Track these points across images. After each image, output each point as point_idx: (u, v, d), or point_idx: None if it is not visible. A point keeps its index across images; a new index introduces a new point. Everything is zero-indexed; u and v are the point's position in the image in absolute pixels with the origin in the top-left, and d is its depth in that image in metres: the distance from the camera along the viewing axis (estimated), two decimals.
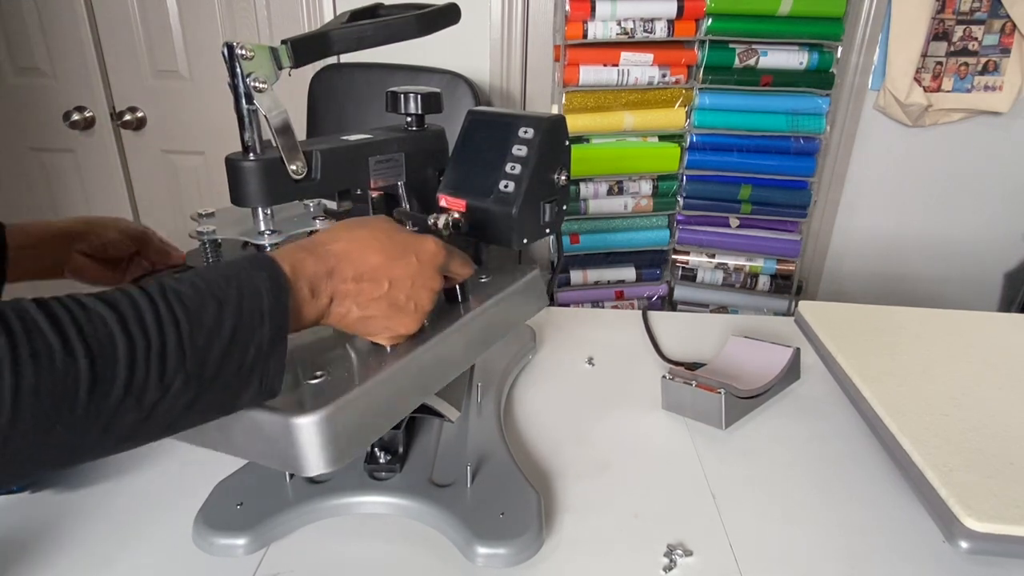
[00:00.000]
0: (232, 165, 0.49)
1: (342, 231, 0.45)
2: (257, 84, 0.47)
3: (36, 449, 0.30)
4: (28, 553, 0.54)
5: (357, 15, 0.57)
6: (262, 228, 0.53)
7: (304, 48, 0.51)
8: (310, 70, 1.68)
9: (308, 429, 0.41)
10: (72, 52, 1.82)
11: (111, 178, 1.93)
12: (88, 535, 0.56)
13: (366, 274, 0.43)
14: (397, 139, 0.60)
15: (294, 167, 0.50)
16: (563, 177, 0.63)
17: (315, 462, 0.41)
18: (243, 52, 0.46)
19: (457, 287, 0.55)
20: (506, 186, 0.59)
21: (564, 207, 0.65)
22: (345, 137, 0.58)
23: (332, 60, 1.72)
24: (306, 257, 0.41)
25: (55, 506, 0.59)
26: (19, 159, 1.97)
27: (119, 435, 0.33)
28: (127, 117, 1.88)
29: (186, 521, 0.54)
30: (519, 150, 0.60)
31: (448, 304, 0.55)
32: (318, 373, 0.45)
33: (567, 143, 0.63)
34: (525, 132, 0.60)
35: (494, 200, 0.59)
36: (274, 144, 0.50)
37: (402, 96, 0.63)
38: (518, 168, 0.59)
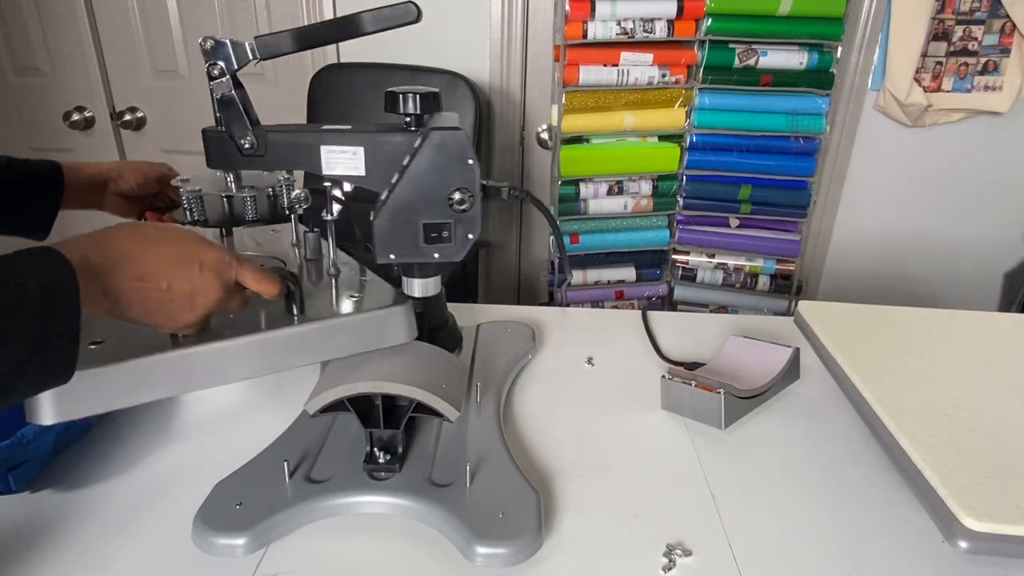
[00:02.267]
0: (202, 134, 0.60)
1: (128, 230, 0.48)
2: (213, 72, 0.57)
3: None
4: (28, 553, 0.54)
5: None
6: (229, 188, 0.64)
7: (265, 44, 0.59)
8: (310, 69, 1.68)
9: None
10: (72, 52, 1.82)
11: None
12: (88, 535, 0.56)
13: (147, 275, 0.46)
14: (356, 134, 0.60)
15: (243, 142, 0.59)
16: (464, 197, 0.59)
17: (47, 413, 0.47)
18: (202, 43, 0.56)
19: (291, 298, 0.56)
20: (385, 196, 0.59)
21: (471, 235, 0.61)
22: (316, 126, 0.62)
23: (332, 59, 1.72)
24: (91, 253, 0.44)
25: (55, 506, 0.59)
26: None
27: None
28: (127, 117, 1.88)
29: (185, 521, 0.54)
30: (406, 160, 0.59)
31: (286, 313, 0.57)
32: (98, 339, 0.51)
33: (471, 162, 0.59)
34: (418, 142, 0.59)
35: (374, 206, 0.60)
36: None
37: (400, 96, 0.63)
38: (396, 177, 0.59)
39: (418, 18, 0.59)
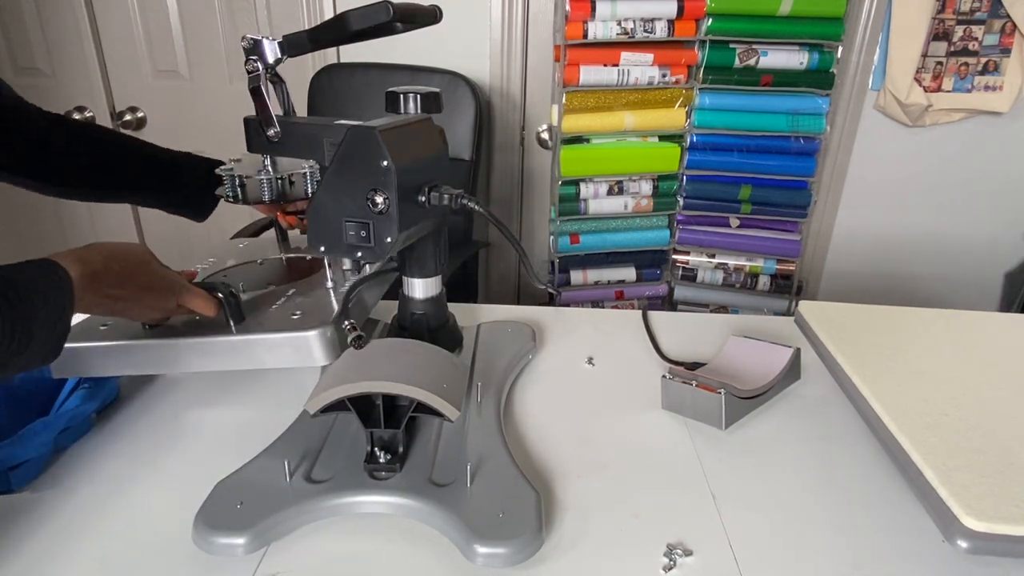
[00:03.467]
0: (244, 121, 0.66)
1: (100, 253, 0.56)
2: (247, 68, 0.64)
3: None
4: (28, 553, 0.54)
5: None
6: (266, 170, 0.72)
7: (291, 43, 0.65)
8: (310, 69, 1.68)
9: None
10: (72, 52, 1.82)
11: None
12: (87, 535, 0.56)
13: (114, 294, 0.57)
14: (348, 128, 0.60)
15: (269, 132, 0.65)
16: (380, 200, 0.58)
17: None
18: (242, 41, 0.64)
19: (226, 311, 0.65)
20: (317, 187, 0.62)
21: (389, 239, 0.59)
22: (329, 119, 0.64)
23: (332, 59, 1.72)
24: (80, 269, 0.53)
25: (56, 506, 0.59)
26: None
27: None
28: (127, 117, 1.88)
29: (186, 521, 0.54)
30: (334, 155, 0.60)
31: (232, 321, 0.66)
32: (108, 322, 0.67)
33: (384, 163, 0.57)
34: (342, 137, 0.59)
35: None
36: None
37: (400, 96, 0.63)
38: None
39: (437, 19, 0.66)
